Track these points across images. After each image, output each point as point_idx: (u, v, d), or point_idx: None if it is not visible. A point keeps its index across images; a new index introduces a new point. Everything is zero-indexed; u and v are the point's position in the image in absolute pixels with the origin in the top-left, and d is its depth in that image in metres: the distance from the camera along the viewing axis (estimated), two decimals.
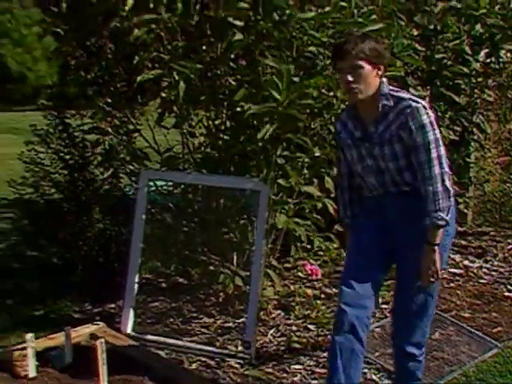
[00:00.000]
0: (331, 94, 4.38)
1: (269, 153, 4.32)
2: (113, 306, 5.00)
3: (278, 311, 4.67)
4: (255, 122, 4.29)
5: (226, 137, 4.69)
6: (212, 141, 4.78)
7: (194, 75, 4.32)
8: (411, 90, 5.01)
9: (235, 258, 4.72)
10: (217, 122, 4.74)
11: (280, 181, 4.37)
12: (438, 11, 5.32)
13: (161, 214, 5.05)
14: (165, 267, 5.20)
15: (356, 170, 3.33)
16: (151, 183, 4.77)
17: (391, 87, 3.19)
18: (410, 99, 3.11)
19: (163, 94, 4.60)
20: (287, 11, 4.16)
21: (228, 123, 4.71)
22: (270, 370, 4.00)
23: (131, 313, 4.51)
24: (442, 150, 3.08)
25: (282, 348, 4.25)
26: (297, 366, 4.03)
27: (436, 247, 3.10)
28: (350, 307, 3.13)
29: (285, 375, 3.95)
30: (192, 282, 5.09)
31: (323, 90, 4.36)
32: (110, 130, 5.03)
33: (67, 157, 5.55)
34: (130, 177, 5.26)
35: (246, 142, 4.49)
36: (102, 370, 3.73)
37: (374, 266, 3.26)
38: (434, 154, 3.05)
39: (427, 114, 3.06)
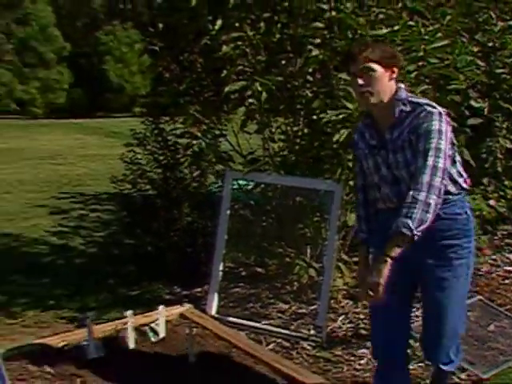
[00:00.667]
0: None
1: (341, 157, 4.26)
2: (199, 290, 5.01)
3: (347, 300, 4.60)
4: (329, 129, 4.24)
5: (302, 142, 4.65)
6: (290, 145, 4.74)
7: (275, 86, 4.30)
8: (472, 102, 4.89)
9: (309, 251, 4.68)
10: (294, 129, 4.70)
11: (351, 182, 4.29)
12: (497, 30, 5.17)
13: (242, 210, 5.05)
14: (245, 257, 5.21)
15: (373, 181, 2.89)
16: (235, 182, 4.78)
17: (410, 94, 2.81)
18: (428, 104, 2.70)
19: (247, 103, 4.58)
20: (359, 30, 4.09)
21: (304, 130, 4.67)
22: (338, 353, 3.95)
23: (216, 297, 4.52)
24: (441, 162, 2.57)
25: (350, 334, 4.18)
26: (363, 351, 3.94)
27: (388, 259, 2.52)
28: (384, 363, 2.91)
29: (352, 358, 3.88)
30: (269, 272, 5.07)
31: None
32: (199, 134, 5.05)
33: (161, 158, 5.62)
34: (216, 176, 5.30)
35: (321, 147, 4.45)
36: (191, 344, 3.77)
37: (398, 298, 2.78)
38: (429, 162, 2.56)
39: (440, 120, 2.63)
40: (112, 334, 4.01)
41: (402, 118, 2.71)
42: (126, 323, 3.95)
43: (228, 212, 4.57)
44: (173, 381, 3.57)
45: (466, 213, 2.81)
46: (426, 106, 2.68)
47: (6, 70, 26.37)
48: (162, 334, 4.05)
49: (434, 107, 2.68)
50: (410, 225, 2.48)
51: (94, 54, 27.21)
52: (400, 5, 4.37)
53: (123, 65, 26.14)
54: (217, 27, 4.33)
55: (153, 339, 4.01)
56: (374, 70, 2.69)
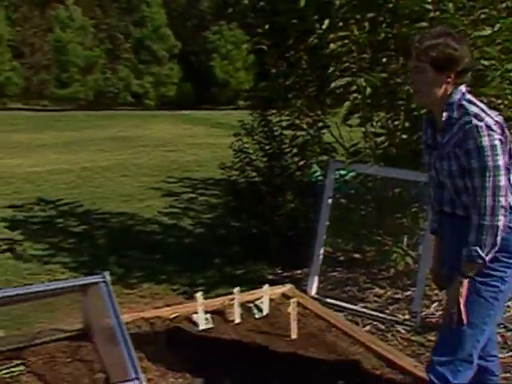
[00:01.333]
0: (499, 101, 4.10)
1: None
2: (299, 272, 4.98)
3: None
4: None
5: (402, 136, 4.54)
6: (390, 139, 4.63)
7: (379, 83, 4.20)
8: None
9: (406, 240, 4.57)
10: (395, 123, 4.59)
11: None
12: None
13: (343, 198, 4.97)
14: (344, 244, 5.14)
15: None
16: (336, 172, 4.71)
17: (469, 97, 2.43)
18: (476, 115, 2.33)
19: (351, 98, 4.49)
20: (462, 29, 3.92)
21: (405, 124, 4.54)
22: (431, 338, 3.81)
23: (316, 279, 4.49)
24: (502, 179, 2.29)
25: None
26: None
27: (465, 280, 2.39)
28: None
29: None
30: (367, 258, 4.98)
31: (492, 98, 4.07)
32: (304, 126, 5.00)
33: (267, 147, 5.61)
34: (319, 166, 5.24)
35: (420, 141, 4.32)
36: (293, 323, 3.75)
37: None
38: (489, 183, 2.29)
39: (489, 135, 2.29)
40: (220, 309, 4.05)
41: (451, 123, 2.43)
42: (232, 299, 3.98)
43: (330, 200, 4.52)
44: (275, 354, 3.56)
45: (510, 227, 2.42)
46: (472, 118, 2.34)
47: (124, 66, 27.29)
48: (265, 311, 4.06)
49: (481, 119, 2.33)
50: (481, 253, 2.33)
51: (202, 52, 27.72)
52: (504, 5, 4.17)
53: (228, 61, 26.47)
54: (324, 26, 4.26)
55: (257, 315, 4.03)
56: (424, 71, 2.42)
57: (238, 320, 3.94)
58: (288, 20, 4.72)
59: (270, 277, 4.99)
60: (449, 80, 2.42)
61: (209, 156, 11.40)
